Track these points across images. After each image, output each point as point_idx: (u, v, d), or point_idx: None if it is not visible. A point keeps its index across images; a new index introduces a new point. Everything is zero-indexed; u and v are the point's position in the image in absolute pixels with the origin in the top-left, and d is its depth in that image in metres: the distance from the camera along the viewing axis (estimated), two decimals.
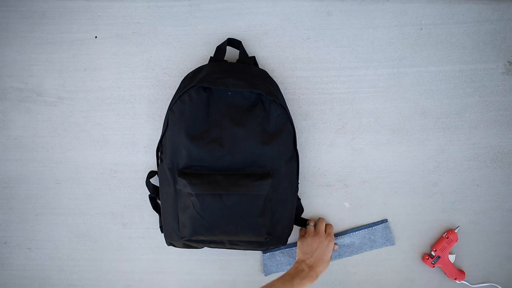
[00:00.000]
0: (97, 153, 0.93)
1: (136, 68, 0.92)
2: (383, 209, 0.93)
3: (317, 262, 0.84)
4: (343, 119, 0.92)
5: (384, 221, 0.92)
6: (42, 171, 0.94)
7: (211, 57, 0.87)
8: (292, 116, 0.85)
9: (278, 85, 0.88)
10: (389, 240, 0.93)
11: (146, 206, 0.92)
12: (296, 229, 0.91)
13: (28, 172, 0.94)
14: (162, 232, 0.87)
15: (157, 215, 0.91)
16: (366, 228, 0.92)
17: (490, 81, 0.91)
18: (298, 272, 0.82)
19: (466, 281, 0.93)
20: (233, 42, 0.88)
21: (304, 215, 0.92)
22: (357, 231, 0.92)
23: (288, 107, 0.86)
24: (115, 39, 0.92)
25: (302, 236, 0.89)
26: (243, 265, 0.95)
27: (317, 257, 0.84)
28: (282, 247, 0.92)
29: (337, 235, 0.93)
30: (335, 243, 0.90)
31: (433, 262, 0.91)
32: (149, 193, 0.89)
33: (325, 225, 0.90)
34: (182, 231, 0.80)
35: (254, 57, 0.88)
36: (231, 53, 0.90)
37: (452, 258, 0.91)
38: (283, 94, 0.88)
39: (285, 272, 0.83)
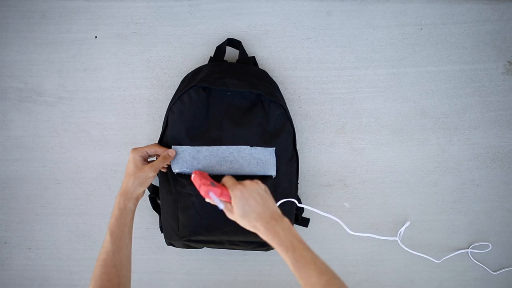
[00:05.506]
0: (97, 153, 0.93)
1: (136, 68, 0.92)
2: (383, 209, 0.93)
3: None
4: (343, 119, 0.92)
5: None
6: (42, 171, 0.94)
7: (211, 57, 0.87)
8: (292, 116, 0.85)
9: (278, 85, 0.88)
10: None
11: (146, 206, 0.92)
12: (296, 228, 0.90)
13: (28, 172, 0.94)
14: (162, 232, 0.87)
15: (157, 215, 0.91)
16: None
17: (490, 81, 0.91)
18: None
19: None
20: (233, 42, 0.88)
21: (304, 215, 0.92)
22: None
23: (288, 107, 0.86)
24: (115, 39, 0.92)
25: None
26: (243, 265, 0.95)
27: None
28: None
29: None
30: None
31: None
32: (149, 193, 0.89)
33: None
34: (182, 231, 0.80)
35: (254, 57, 0.88)
36: (231, 53, 0.90)
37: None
38: (283, 94, 0.88)
39: None
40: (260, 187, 0.66)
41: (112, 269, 0.68)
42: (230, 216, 0.67)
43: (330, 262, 0.98)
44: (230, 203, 0.66)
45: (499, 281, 0.95)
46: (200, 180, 0.69)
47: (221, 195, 0.66)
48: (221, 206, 0.66)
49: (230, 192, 0.66)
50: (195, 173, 0.71)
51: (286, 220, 0.64)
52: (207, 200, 0.68)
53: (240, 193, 0.64)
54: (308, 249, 0.62)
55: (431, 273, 0.94)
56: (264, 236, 0.63)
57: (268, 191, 0.68)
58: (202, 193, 0.68)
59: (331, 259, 0.94)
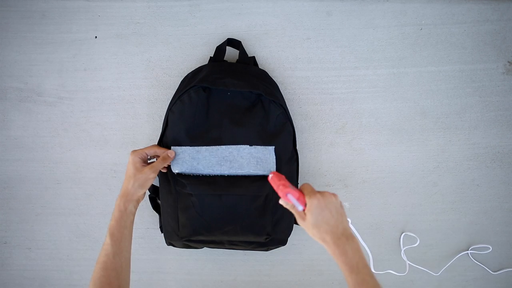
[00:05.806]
0: (97, 153, 0.93)
1: (136, 68, 0.92)
2: (383, 209, 0.93)
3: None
4: (343, 119, 0.92)
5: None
6: (42, 171, 0.94)
7: (211, 57, 0.87)
8: (292, 116, 0.85)
9: (278, 85, 0.88)
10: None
11: (146, 206, 0.92)
12: (296, 228, 0.91)
13: (28, 172, 0.94)
14: (162, 232, 0.87)
15: (157, 215, 0.91)
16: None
17: (490, 81, 0.91)
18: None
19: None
20: (233, 42, 0.88)
21: None
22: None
23: (288, 107, 0.86)
24: (115, 39, 0.92)
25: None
26: (243, 265, 0.95)
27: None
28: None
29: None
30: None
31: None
32: (149, 193, 0.89)
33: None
34: (182, 231, 0.80)
35: (254, 57, 0.88)
36: (231, 53, 0.90)
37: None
38: (283, 94, 0.88)
39: None
40: (337, 201, 0.65)
41: (112, 272, 0.67)
42: (300, 222, 0.65)
43: (329, 262, 0.98)
44: (304, 209, 0.65)
45: (499, 281, 0.95)
46: (279, 181, 0.67)
47: (297, 199, 0.65)
48: (300, 207, 0.65)
49: (307, 199, 0.64)
50: (273, 173, 0.69)
51: (356, 240, 0.63)
52: (280, 201, 0.67)
53: (317, 202, 0.63)
54: (372, 275, 0.60)
55: (431, 274, 0.94)
56: (331, 250, 0.62)
57: (343, 207, 0.67)
58: (280, 193, 0.66)
59: (330, 259, 0.94)
